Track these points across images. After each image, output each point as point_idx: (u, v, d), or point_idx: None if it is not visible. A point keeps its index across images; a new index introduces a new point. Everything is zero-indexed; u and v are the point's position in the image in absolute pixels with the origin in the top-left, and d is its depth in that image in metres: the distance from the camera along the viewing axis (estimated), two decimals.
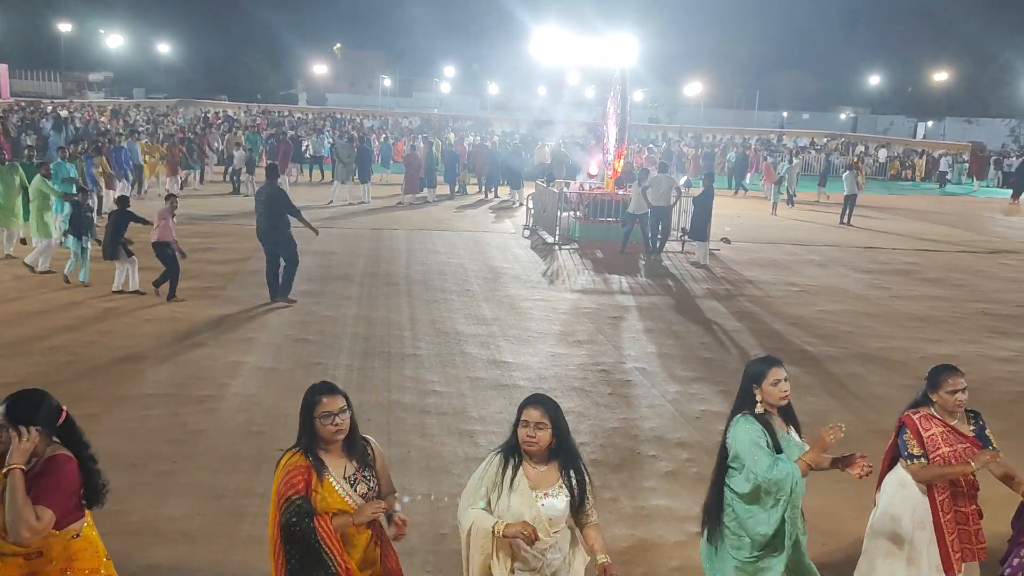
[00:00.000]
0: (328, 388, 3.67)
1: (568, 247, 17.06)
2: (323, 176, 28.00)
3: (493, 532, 3.60)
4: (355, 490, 3.64)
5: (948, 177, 38.66)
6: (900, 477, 4.50)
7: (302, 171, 28.39)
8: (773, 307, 12.76)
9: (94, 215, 13.54)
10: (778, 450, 4.09)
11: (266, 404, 7.78)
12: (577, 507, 3.76)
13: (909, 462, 4.40)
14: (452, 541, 3.77)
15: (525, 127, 44.21)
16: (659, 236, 16.84)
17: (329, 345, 9.80)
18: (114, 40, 69.03)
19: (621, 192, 18.16)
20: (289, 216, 11.51)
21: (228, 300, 11.37)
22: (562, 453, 3.76)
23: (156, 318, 10.59)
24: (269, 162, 14.15)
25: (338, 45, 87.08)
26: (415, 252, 15.86)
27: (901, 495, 4.48)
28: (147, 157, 22.06)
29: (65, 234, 12.28)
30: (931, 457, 4.35)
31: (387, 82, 78.72)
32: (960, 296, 14.15)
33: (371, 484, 3.71)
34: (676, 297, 13.31)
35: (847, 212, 22.56)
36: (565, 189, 18.65)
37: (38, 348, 9.21)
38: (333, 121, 45.94)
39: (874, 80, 73.42)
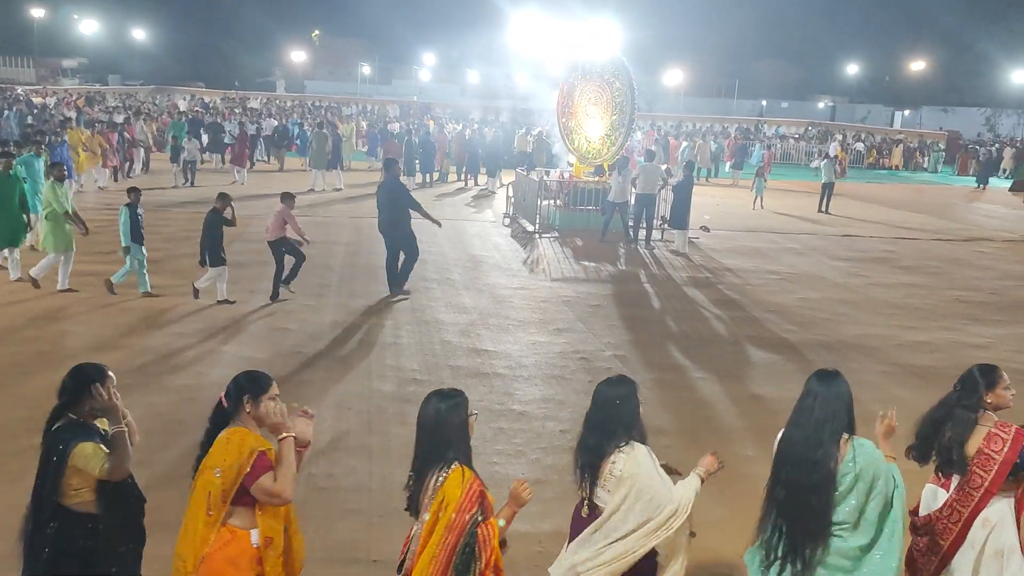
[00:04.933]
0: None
1: (548, 235, 17.05)
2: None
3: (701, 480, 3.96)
4: None
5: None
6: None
7: (223, 159, 26.59)
8: (752, 295, 12.84)
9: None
10: None
11: None
12: None
13: None
14: None
15: (505, 115, 44.03)
16: (643, 225, 16.89)
17: (309, 334, 9.76)
18: (88, 26, 68.03)
19: (602, 178, 18.15)
20: (410, 209, 11.89)
21: (207, 291, 11.26)
22: None
23: (134, 309, 10.49)
24: (387, 157, 14.08)
25: (316, 32, 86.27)
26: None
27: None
28: (81, 149, 19.58)
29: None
30: None
31: (366, 69, 78.17)
32: (936, 284, 14.30)
33: None
34: (655, 285, 13.35)
35: (825, 200, 22.72)
36: (545, 177, 18.63)
37: (13, 339, 9.11)
38: (306, 108, 45.48)
39: (852, 69, 73.80)
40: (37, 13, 61.05)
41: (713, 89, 75.70)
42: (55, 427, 3.72)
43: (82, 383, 3.70)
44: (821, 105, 72.53)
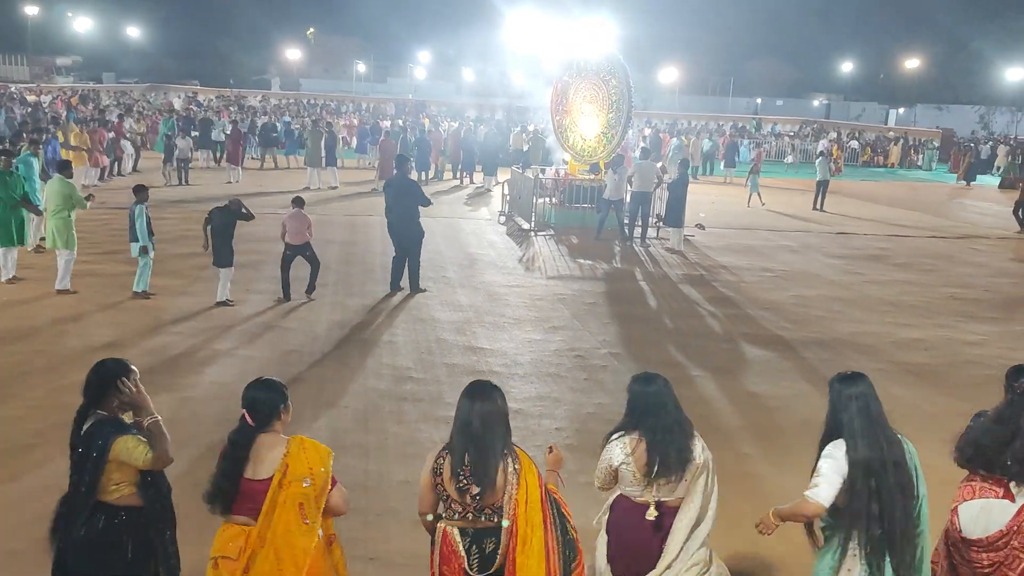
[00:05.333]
0: None
1: (544, 233, 17.07)
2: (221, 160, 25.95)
3: None
4: None
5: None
6: None
7: (216, 156, 26.57)
8: (747, 292, 12.87)
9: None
10: None
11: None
12: None
13: None
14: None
15: (500, 113, 44.02)
16: (638, 223, 16.90)
17: (305, 333, 9.77)
18: (82, 23, 67.85)
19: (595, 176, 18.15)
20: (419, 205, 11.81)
21: (203, 292, 11.26)
22: None
23: (132, 309, 10.48)
24: (399, 154, 14.13)
25: (312, 30, 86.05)
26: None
27: None
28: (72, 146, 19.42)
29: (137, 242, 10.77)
30: None
31: (362, 67, 78.03)
32: (930, 281, 14.35)
33: None
34: (651, 283, 13.38)
35: (820, 198, 22.77)
36: (540, 175, 18.63)
37: (11, 339, 9.11)
38: (301, 106, 45.45)
39: (847, 67, 73.92)
40: (31, 11, 60.75)
41: (708, 87, 75.67)
42: (89, 425, 3.71)
43: (107, 379, 3.72)
44: (816, 103, 72.62)
